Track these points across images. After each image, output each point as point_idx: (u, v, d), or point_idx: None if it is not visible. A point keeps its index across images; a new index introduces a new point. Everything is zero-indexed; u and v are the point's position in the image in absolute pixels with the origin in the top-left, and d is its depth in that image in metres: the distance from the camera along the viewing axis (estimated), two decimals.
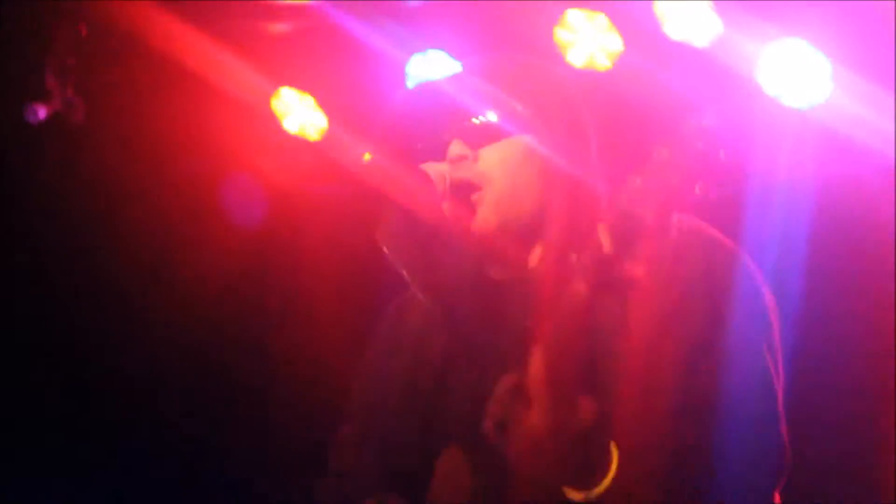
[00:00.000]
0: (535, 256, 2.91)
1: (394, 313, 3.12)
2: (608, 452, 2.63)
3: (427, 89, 3.03)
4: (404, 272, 2.96)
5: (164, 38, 5.28)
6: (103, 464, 5.66)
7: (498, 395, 2.65)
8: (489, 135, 2.90)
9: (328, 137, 5.66)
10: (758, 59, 4.88)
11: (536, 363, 2.63)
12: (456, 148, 2.89)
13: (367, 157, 5.27)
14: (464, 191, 2.87)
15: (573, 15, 5.14)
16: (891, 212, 4.73)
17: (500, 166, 2.88)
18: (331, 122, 5.67)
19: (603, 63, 5.17)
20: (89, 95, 5.45)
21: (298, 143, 5.66)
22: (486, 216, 2.87)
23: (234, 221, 5.66)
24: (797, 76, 4.86)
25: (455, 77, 3.02)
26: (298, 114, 5.68)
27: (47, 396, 5.65)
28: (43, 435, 5.64)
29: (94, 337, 5.66)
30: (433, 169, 2.89)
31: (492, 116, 2.90)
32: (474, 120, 2.91)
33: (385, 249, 2.97)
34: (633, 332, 2.72)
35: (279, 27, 5.60)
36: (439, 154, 2.94)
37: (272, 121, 5.65)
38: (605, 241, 2.72)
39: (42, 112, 5.41)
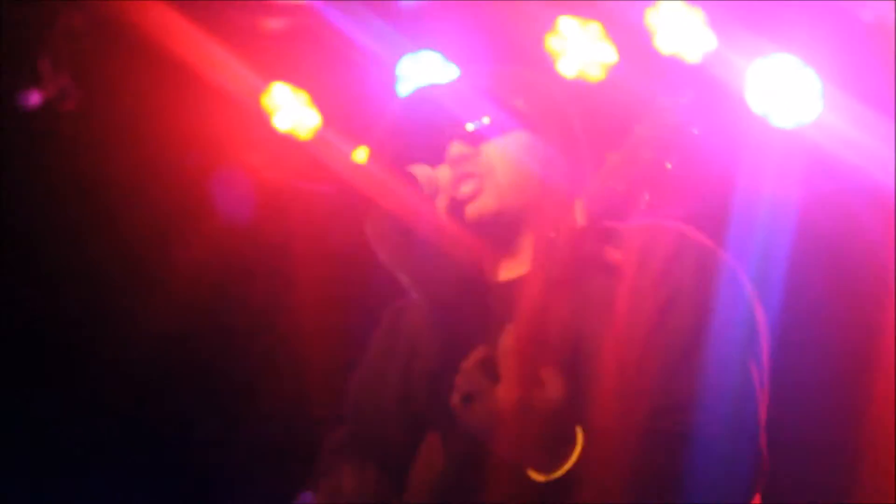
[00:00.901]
0: (525, 245, 2.89)
1: (391, 316, 3.11)
2: (573, 435, 2.62)
3: (425, 94, 3.02)
4: (398, 271, 2.95)
5: (159, 31, 5.29)
6: (82, 456, 5.67)
7: (465, 368, 2.67)
8: (489, 133, 2.90)
9: (319, 136, 5.63)
10: (747, 76, 4.86)
11: (507, 337, 2.64)
12: (456, 148, 2.89)
13: (358, 157, 5.32)
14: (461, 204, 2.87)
15: (566, 23, 5.13)
16: (875, 233, 4.72)
17: (502, 157, 2.88)
18: (323, 120, 5.65)
19: (595, 74, 5.16)
20: (83, 84, 5.46)
21: (289, 141, 5.64)
22: (487, 201, 2.86)
23: (223, 217, 5.64)
24: (786, 95, 4.84)
25: (453, 82, 3.04)
26: (290, 111, 5.66)
27: (27, 387, 5.65)
28: (24, 429, 5.64)
29: (75, 328, 5.67)
30: (420, 171, 2.88)
31: (491, 118, 2.91)
32: (473, 124, 2.91)
33: (378, 251, 2.94)
34: (616, 322, 2.71)
35: (274, 24, 5.59)
36: (438, 158, 2.93)
37: (263, 117, 5.63)
38: (580, 216, 2.76)
39: (36, 98, 5.43)
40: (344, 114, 5.51)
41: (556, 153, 2.89)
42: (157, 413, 5.68)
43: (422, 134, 2.94)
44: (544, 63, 5.09)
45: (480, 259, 2.93)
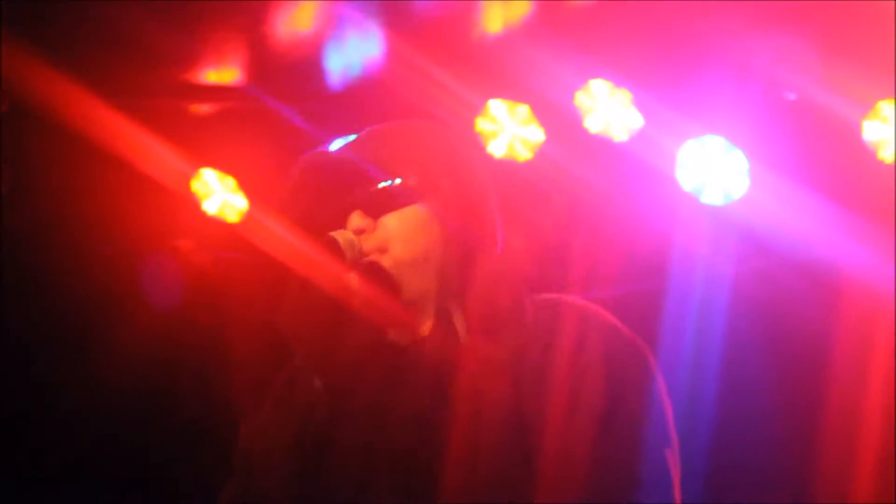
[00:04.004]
0: (427, 325, 2.86)
1: (287, 376, 3.05)
2: None
3: (323, 158, 2.99)
4: (298, 346, 2.92)
5: (86, 117, 5.26)
6: None
7: None
8: (388, 203, 2.88)
9: (248, 219, 5.64)
10: (676, 155, 4.96)
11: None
12: (356, 220, 2.87)
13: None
14: (372, 266, 2.83)
15: (495, 106, 5.20)
16: (805, 307, 4.81)
17: (400, 233, 2.86)
18: (251, 203, 5.66)
19: (523, 154, 5.22)
20: (13, 169, 5.42)
21: (218, 225, 5.63)
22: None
23: (152, 302, 5.61)
24: (714, 173, 4.95)
25: (350, 144, 2.99)
26: (218, 195, 5.67)
27: None
28: None
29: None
30: (343, 237, 2.85)
31: (388, 184, 2.88)
32: (372, 188, 2.88)
33: (283, 327, 2.92)
34: (522, 404, 2.71)
35: (202, 108, 5.61)
36: (338, 224, 2.89)
37: (192, 202, 5.63)
38: (461, 326, 2.77)
39: None
40: (274, 197, 5.50)
41: (458, 220, 2.86)
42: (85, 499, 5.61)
43: (322, 198, 2.92)
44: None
45: (386, 327, 2.88)
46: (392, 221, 2.87)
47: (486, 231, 2.89)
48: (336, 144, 5.19)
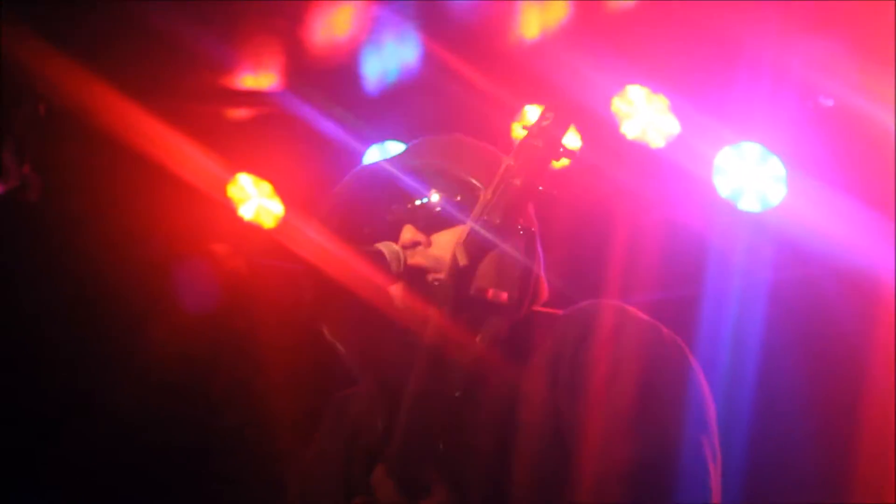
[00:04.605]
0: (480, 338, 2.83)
1: (337, 402, 3.11)
2: None
3: (371, 171, 3.00)
4: (344, 351, 2.94)
5: (122, 121, 5.28)
6: None
7: None
8: (440, 221, 2.88)
9: (284, 225, 5.65)
10: (713, 161, 4.96)
11: (377, 471, 2.71)
12: (408, 234, 2.87)
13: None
14: (418, 275, 2.84)
15: (532, 111, 5.18)
16: (842, 313, 4.79)
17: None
18: (287, 209, 5.67)
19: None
20: (46, 174, 5.44)
21: (254, 230, 5.65)
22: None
23: (187, 306, 5.62)
24: (751, 179, 4.94)
25: (398, 157, 3.01)
26: (254, 200, 5.68)
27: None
28: None
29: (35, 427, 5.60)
30: (388, 248, 2.85)
31: (440, 203, 2.89)
32: (421, 202, 2.89)
33: (327, 332, 2.95)
34: (558, 394, 2.70)
35: (239, 113, 5.62)
36: (386, 237, 2.90)
37: (228, 207, 5.64)
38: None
39: None
40: (310, 203, 5.52)
41: (507, 240, 2.80)
42: (126, 494, 5.62)
43: (369, 211, 2.94)
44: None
45: (434, 341, 2.81)
46: (445, 239, 2.86)
47: (529, 244, 2.89)
48: (381, 154, 5.30)
